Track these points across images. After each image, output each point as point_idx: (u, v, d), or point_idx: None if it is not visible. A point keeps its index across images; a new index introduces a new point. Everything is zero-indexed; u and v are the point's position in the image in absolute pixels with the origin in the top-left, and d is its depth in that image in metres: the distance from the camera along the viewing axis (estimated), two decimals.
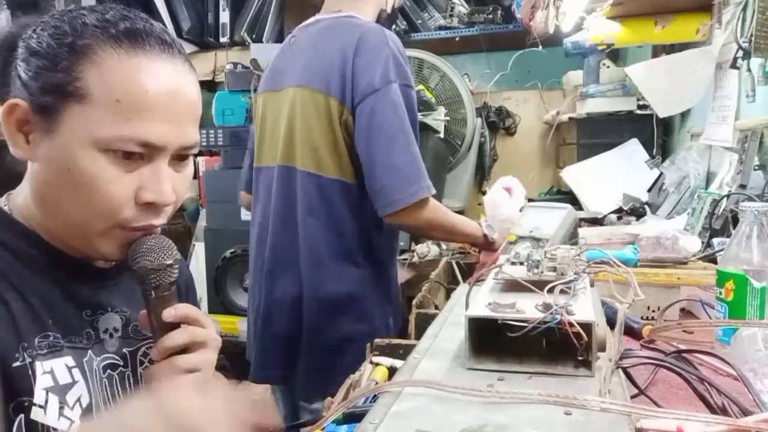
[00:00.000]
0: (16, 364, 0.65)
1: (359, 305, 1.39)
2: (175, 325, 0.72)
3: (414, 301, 1.31)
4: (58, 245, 0.72)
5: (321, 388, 1.47)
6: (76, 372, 0.70)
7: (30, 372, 0.65)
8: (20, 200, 0.73)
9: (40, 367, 0.66)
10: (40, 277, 0.70)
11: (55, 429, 0.66)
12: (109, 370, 0.75)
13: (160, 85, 0.67)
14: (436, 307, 1.37)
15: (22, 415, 0.64)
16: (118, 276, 0.79)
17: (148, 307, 0.72)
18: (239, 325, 2.61)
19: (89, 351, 0.73)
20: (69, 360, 0.70)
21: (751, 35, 1.49)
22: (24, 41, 0.68)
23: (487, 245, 1.46)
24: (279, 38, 3.10)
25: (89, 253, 0.73)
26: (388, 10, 1.49)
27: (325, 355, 1.40)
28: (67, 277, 0.73)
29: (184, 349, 0.71)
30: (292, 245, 1.40)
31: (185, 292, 0.93)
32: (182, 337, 0.71)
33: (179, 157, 0.72)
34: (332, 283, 1.38)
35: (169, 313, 0.71)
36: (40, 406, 0.65)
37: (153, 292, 0.71)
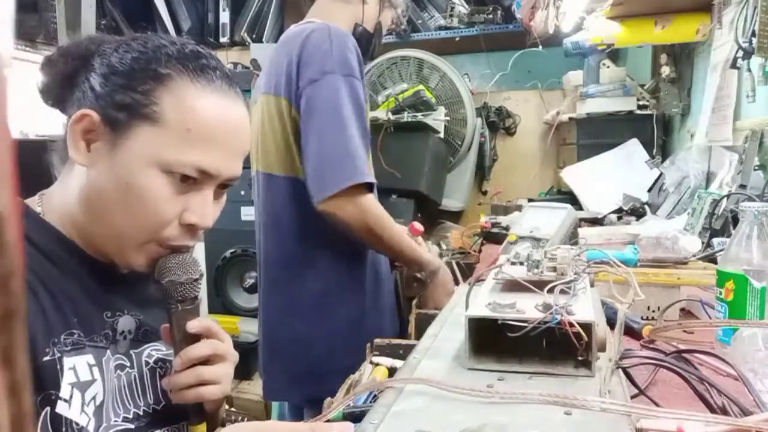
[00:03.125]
0: (46, 358, 0.67)
1: (319, 306, 1.37)
2: (197, 338, 0.75)
3: (414, 301, 1.31)
4: (86, 248, 0.76)
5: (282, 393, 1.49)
6: (96, 370, 0.73)
7: (59, 367, 0.68)
8: (57, 201, 0.77)
9: (67, 362, 0.69)
10: (66, 277, 0.73)
11: (77, 423, 0.68)
12: (118, 371, 0.77)
13: (227, 122, 0.74)
14: (436, 307, 1.37)
15: (48, 408, 0.66)
16: (135, 282, 0.82)
17: (171, 319, 0.75)
18: (239, 325, 2.61)
19: (107, 351, 0.76)
20: (90, 358, 0.72)
21: (753, 35, 1.49)
22: (104, 57, 0.74)
23: (432, 278, 1.37)
24: (279, 38, 3.09)
25: (118, 261, 0.76)
26: (365, 25, 1.46)
27: (281, 358, 1.41)
28: (90, 279, 0.76)
29: (205, 361, 0.75)
30: (259, 247, 1.45)
31: None
32: (206, 348, 0.75)
33: (222, 186, 0.77)
34: (283, 284, 1.37)
35: (194, 324, 0.74)
36: (65, 401, 0.67)
37: (179, 305, 0.74)
